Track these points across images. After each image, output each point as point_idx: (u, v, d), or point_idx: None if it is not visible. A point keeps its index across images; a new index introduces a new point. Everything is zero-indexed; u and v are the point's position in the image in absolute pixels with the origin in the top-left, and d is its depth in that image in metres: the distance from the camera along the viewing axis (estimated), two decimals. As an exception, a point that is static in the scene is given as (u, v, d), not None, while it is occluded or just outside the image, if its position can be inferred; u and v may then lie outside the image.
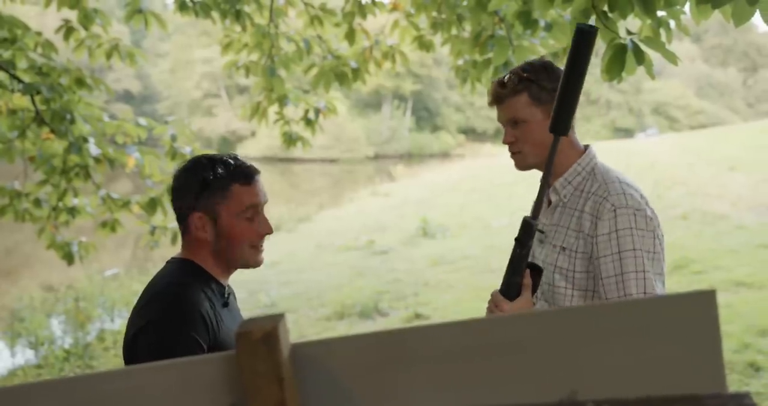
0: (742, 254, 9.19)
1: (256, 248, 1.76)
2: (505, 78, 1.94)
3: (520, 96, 1.92)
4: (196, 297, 1.65)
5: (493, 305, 1.77)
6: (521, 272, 1.72)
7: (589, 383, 0.62)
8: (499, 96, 1.94)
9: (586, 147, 2.02)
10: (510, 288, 1.73)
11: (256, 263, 1.79)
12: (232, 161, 1.73)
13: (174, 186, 1.78)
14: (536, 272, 1.76)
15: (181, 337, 1.58)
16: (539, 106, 1.91)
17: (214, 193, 1.70)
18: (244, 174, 1.72)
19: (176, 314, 1.62)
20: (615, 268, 1.79)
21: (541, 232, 2.00)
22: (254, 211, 1.73)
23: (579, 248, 1.86)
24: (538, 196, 1.67)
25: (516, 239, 1.68)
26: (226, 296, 1.78)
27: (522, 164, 2.00)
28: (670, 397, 0.53)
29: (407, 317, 7.56)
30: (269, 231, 1.76)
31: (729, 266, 8.45)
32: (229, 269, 1.80)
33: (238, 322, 1.73)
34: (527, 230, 1.66)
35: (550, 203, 2.03)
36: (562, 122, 1.61)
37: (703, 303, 0.62)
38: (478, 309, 7.59)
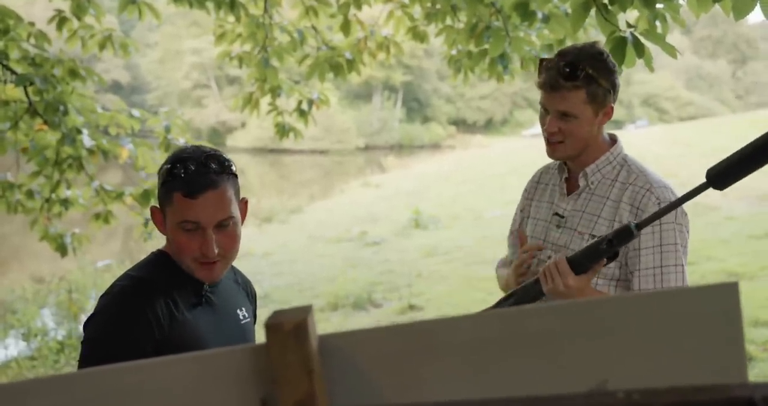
0: (733, 244, 9.27)
1: (201, 263, 1.60)
2: (566, 66, 1.85)
3: (578, 92, 1.85)
4: (147, 296, 1.57)
5: (555, 269, 1.73)
6: (598, 262, 1.70)
7: (619, 374, 0.63)
8: (556, 85, 1.87)
9: (611, 137, 2.03)
10: (579, 267, 1.71)
11: (204, 279, 1.64)
12: (190, 166, 1.55)
13: None
14: (609, 258, 1.74)
15: (113, 336, 1.54)
16: (592, 104, 1.87)
17: (163, 193, 1.60)
18: (188, 186, 1.54)
19: (114, 312, 1.57)
20: (655, 260, 1.82)
21: (561, 217, 2.00)
22: (195, 226, 1.56)
23: None
24: (655, 214, 1.62)
25: (609, 240, 1.63)
26: (203, 292, 1.68)
27: (560, 155, 1.98)
28: (699, 386, 0.54)
29: (401, 308, 7.59)
30: (207, 253, 1.57)
31: (721, 257, 8.53)
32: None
33: (221, 320, 1.69)
34: (625, 237, 1.61)
35: (570, 190, 2.03)
36: (725, 180, 1.48)
37: (727, 295, 0.63)
38: (472, 300, 7.66)
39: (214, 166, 1.57)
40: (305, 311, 0.67)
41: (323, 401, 0.66)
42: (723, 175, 1.48)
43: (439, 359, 0.67)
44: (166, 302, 1.59)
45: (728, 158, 1.47)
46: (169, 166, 1.57)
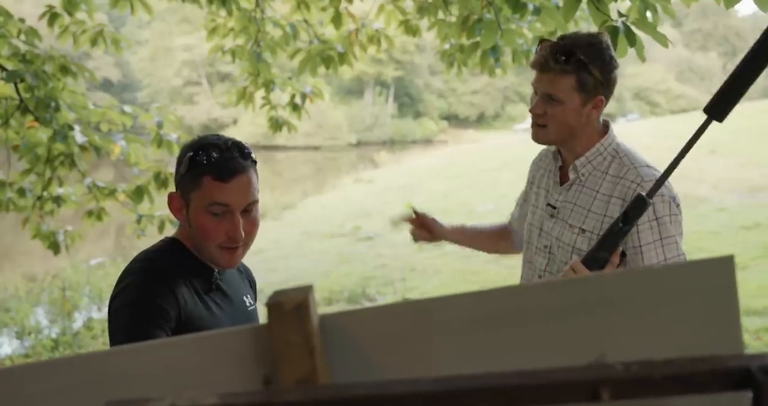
0: (723, 235, 9.33)
1: (225, 248, 1.63)
2: (560, 49, 1.83)
3: (567, 77, 1.84)
4: (166, 272, 1.58)
5: (572, 273, 1.73)
6: (613, 248, 1.71)
7: (617, 348, 0.64)
8: (546, 66, 1.86)
9: (605, 123, 2.01)
10: (596, 262, 1.71)
11: (225, 264, 1.66)
12: (214, 153, 1.58)
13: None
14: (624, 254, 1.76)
15: (146, 301, 1.52)
16: (581, 92, 1.86)
17: (189, 179, 1.60)
18: (219, 170, 1.57)
19: (143, 282, 1.56)
20: (658, 254, 1.82)
21: (553, 207, 2.01)
22: (224, 209, 1.59)
23: (602, 233, 1.84)
24: (664, 174, 1.65)
25: (624, 213, 1.65)
26: (214, 280, 1.69)
27: (542, 139, 1.98)
28: (697, 358, 0.55)
29: (395, 302, 7.61)
30: (234, 236, 1.60)
31: (711, 248, 8.58)
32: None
33: (231, 307, 1.70)
34: (640, 208, 1.64)
35: (562, 180, 2.04)
36: (722, 108, 1.51)
37: (722, 269, 0.64)
38: (466, 293, 7.64)
39: (237, 153, 1.61)
40: (306, 290, 0.67)
41: (324, 379, 0.66)
42: (719, 104, 1.50)
43: (438, 336, 0.68)
44: (186, 288, 1.60)
45: (719, 89, 1.50)
46: (192, 153, 1.60)
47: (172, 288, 1.56)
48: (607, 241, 1.71)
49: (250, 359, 0.69)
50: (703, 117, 1.58)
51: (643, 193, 1.80)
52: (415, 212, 2.40)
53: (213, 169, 1.58)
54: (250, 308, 1.80)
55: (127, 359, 0.72)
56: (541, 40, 1.94)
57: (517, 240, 2.36)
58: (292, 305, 0.65)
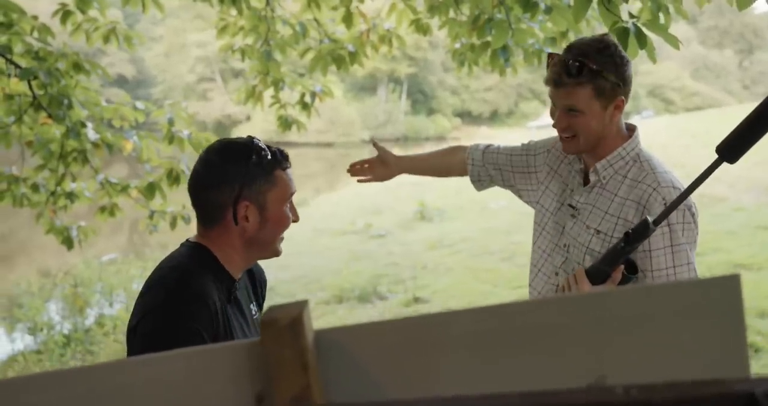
0: (740, 235, 9.24)
1: (282, 237, 1.71)
2: (571, 63, 1.83)
3: (583, 88, 1.84)
4: (204, 285, 1.53)
5: (573, 280, 1.79)
6: (615, 265, 1.74)
7: (617, 369, 0.62)
8: (560, 82, 1.86)
9: (629, 128, 2.00)
10: (598, 274, 1.76)
11: (281, 252, 1.73)
12: (266, 147, 1.63)
13: (207, 176, 1.61)
14: (629, 270, 1.78)
15: (181, 327, 1.46)
16: (600, 99, 1.85)
17: (261, 180, 1.61)
18: (285, 159, 1.67)
19: (179, 301, 1.49)
20: (667, 261, 1.82)
21: (574, 208, 2.01)
22: (291, 198, 1.69)
23: (616, 234, 1.88)
24: (671, 205, 1.65)
25: (626, 234, 1.68)
26: (233, 290, 1.66)
27: (573, 150, 1.98)
28: (698, 381, 0.54)
29: (406, 301, 7.59)
30: (297, 218, 1.73)
31: (728, 248, 8.50)
32: (252, 261, 1.71)
33: (243, 317, 1.68)
34: (642, 232, 1.65)
35: (585, 181, 2.04)
36: (734, 152, 1.49)
37: (728, 288, 0.62)
38: (477, 291, 7.66)
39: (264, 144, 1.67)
40: (301, 306, 0.66)
41: (319, 396, 0.65)
42: (732, 146, 1.48)
43: (435, 353, 0.66)
44: (218, 296, 1.57)
45: (734, 130, 1.47)
46: (254, 153, 1.60)
47: (207, 304, 1.51)
48: (610, 257, 1.74)
49: (243, 375, 0.68)
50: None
51: (660, 199, 1.80)
52: (375, 145, 2.53)
53: (281, 160, 1.65)
54: (255, 317, 1.78)
55: (119, 373, 0.71)
56: (550, 55, 1.93)
57: (473, 172, 2.45)
58: (286, 321, 0.64)
